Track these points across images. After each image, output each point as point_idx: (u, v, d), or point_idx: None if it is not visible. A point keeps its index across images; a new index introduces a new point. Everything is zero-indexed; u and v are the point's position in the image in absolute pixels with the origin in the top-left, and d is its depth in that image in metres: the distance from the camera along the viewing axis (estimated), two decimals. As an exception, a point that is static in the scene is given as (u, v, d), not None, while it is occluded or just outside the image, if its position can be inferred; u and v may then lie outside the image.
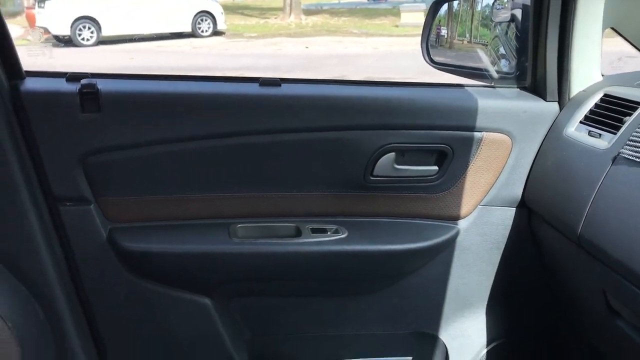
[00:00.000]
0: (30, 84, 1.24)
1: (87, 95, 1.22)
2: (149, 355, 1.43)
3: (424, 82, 1.49)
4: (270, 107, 1.32)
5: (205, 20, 13.26)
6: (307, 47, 11.52)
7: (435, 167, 1.42)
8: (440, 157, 1.42)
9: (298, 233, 1.39)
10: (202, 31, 13.19)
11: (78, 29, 12.20)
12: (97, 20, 12.28)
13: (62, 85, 1.25)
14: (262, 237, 1.38)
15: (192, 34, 13.04)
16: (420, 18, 13.18)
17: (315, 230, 1.40)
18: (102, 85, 1.24)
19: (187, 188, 1.34)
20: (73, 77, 1.26)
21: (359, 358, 1.54)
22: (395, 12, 15.88)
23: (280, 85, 1.34)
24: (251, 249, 1.35)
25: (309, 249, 1.37)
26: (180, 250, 1.34)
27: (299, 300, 1.48)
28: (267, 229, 1.40)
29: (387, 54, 10.10)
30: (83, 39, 12.24)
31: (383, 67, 8.76)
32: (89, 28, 12.29)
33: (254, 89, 1.33)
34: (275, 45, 11.96)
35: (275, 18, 16.53)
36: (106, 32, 12.38)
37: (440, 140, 1.40)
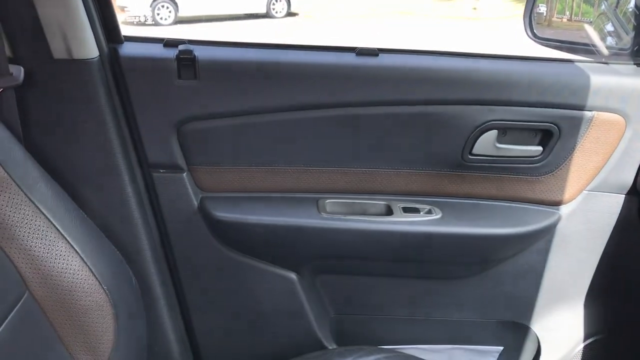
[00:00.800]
0: (128, 48, 1.24)
1: (184, 61, 1.21)
2: (235, 326, 1.43)
3: (531, 55, 1.39)
4: (366, 78, 1.27)
5: (280, 0, 13.30)
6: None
7: (540, 148, 1.33)
8: (546, 137, 1.33)
9: (389, 211, 1.34)
10: (277, 12, 13.25)
11: (157, 8, 12.51)
12: (175, 1, 12.56)
13: (160, 50, 1.24)
14: (351, 214, 1.34)
15: (267, 15, 13.13)
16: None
17: (407, 210, 1.34)
18: (198, 52, 1.22)
19: (279, 159, 1.31)
20: (170, 43, 1.24)
21: (447, 344, 1.48)
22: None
23: (377, 55, 1.28)
24: (340, 225, 1.31)
25: (400, 228, 1.31)
26: (269, 222, 1.31)
27: (386, 280, 1.43)
28: (356, 205, 1.36)
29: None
30: (161, 18, 12.55)
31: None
32: (167, 7, 12.58)
33: (350, 58, 1.28)
34: (352, 27, 11.85)
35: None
36: (183, 12, 12.65)
37: (547, 119, 1.30)
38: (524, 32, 1.64)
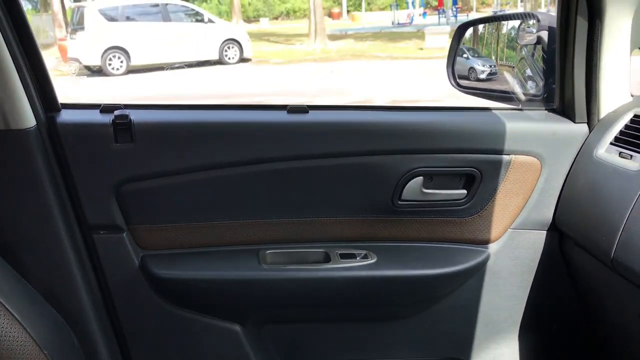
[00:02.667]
0: (65, 115, 1.28)
1: (120, 125, 1.26)
2: None
3: (451, 106, 1.49)
4: (298, 134, 1.34)
5: (232, 47, 13.49)
6: (332, 72, 11.62)
7: (464, 191, 1.41)
8: (469, 181, 1.41)
9: (327, 259, 1.39)
10: (229, 58, 13.42)
11: (108, 58, 12.52)
12: (126, 50, 12.60)
13: (96, 116, 1.28)
14: (291, 263, 1.39)
15: (220, 62, 13.27)
16: (444, 41, 13.23)
17: (344, 256, 1.40)
18: (134, 115, 1.27)
19: (217, 215, 1.36)
20: (107, 109, 1.29)
21: None
22: (419, 35, 15.96)
23: (307, 112, 1.36)
24: (280, 275, 1.36)
25: (338, 274, 1.37)
26: (211, 277, 1.35)
27: (329, 326, 1.48)
28: (296, 254, 1.41)
29: (412, 77, 10.13)
30: (113, 68, 12.55)
31: (408, 90, 8.79)
32: (119, 57, 12.61)
33: (282, 116, 1.35)
34: (301, 70, 12.09)
35: (301, 44, 16.73)
36: (135, 61, 12.68)
37: (469, 164, 1.39)
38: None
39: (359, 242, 1.43)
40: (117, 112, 1.27)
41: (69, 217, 1.28)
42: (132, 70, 12.59)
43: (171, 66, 12.45)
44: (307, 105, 1.38)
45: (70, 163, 1.26)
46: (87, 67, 12.97)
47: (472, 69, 1.79)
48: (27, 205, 1.22)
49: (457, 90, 1.71)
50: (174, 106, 1.37)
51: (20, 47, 1.20)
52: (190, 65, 12.92)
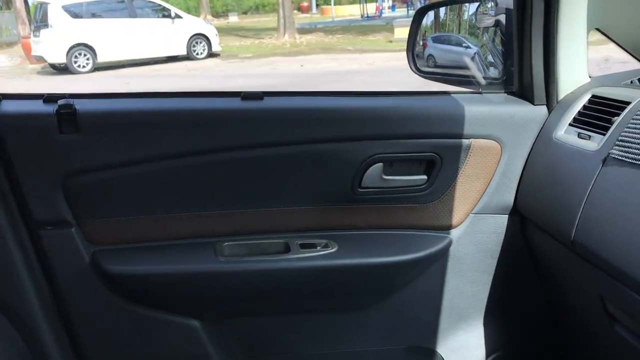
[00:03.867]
0: (6, 106, 1.22)
1: (65, 116, 1.20)
2: None
3: (410, 90, 1.46)
4: (252, 121, 1.30)
5: (200, 42, 13.36)
6: (302, 66, 11.57)
7: (425, 177, 1.39)
8: (429, 166, 1.39)
9: (287, 249, 1.36)
10: (197, 53, 13.29)
11: (74, 56, 12.28)
12: (92, 47, 12.37)
13: (39, 106, 1.23)
14: (249, 255, 1.35)
15: (188, 57, 13.13)
16: (413, 33, 13.24)
17: (304, 246, 1.37)
18: (79, 105, 1.22)
19: (171, 207, 1.31)
20: (50, 99, 1.23)
21: None
22: (388, 28, 16.00)
23: (262, 99, 1.32)
24: (238, 268, 1.32)
25: (298, 264, 1.33)
26: (166, 271, 1.30)
27: (291, 317, 1.44)
28: (254, 246, 1.37)
29: (382, 70, 10.13)
30: (79, 65, 12.32)
31: (378, 83, 8.79)
32: (85, 55, 12.38)
33: (235, 103, 1.31)
34: (270, 65, 12.02)
35: (270, 38, 16.64)
36: (102, 58, 12.46)
37: (428, 149, 1.37)
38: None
39: (319, 231, 1.40)
40: (60, 102, 1.21)
41: (12, 213, 1.22)
42: (98, 68, 12.38)
43: (138, 63, 12.27)
44: (262, 92, 1.33)
45: (12, 156, 1.20)
46: (52, 65, 12.72)
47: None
48: None
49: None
50: (122, 94, 1.31)
51: None
52: (158, 61, 12.76)
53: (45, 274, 1.28)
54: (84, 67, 12.35)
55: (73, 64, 12.26)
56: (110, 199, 1.28)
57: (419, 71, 1.69)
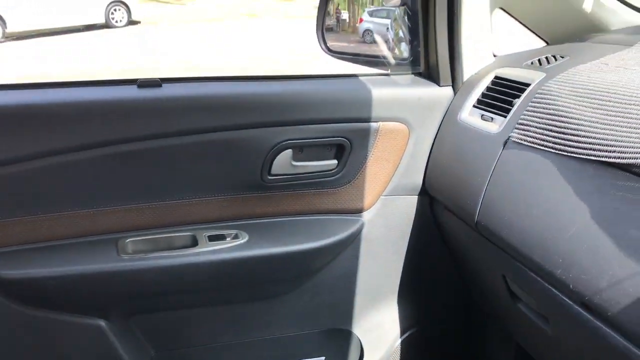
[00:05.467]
0: None
1: None
2: None
3: (318, 74, 1.43)
4: (150, 111, 1.23)
5: (119, 10, 12.75)
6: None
7: (335, 161, 1.38)
8: (339, 151, 1.38)
9: (194, 242, 1.32)
10: (117, 22, 12.69)
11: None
12: (1, 16, 11.58)
13: None
14: (154, 251, 1.30)
15: (106, 25, 12.52)
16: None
17: (213, 238, 1.33)
18: None
19: (67, 204, 1.24)
20: None
21: None
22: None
23: (161, 86, 1.26)
24: (142, 265, 1.26)
25: (206, 258, 1.30)
26: (65, 272, 1.23)
27: (205, 310, 1.41)
28: (160, 240, 1.32)
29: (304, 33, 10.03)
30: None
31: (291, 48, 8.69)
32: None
33: (131, 91, 1.24)
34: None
35: (193, 4, 16.10)
36: (13, 28, 11.70)
37: (337, 134, 1.35)
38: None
39: (229, 221, 1.37)
40: None
41: None
42: (9, 37, 11.63)
43: (53, 32, 11.62)
44: (160, 79, 1.27)
45: None
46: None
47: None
48: None
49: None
50: (11, 86, 1.21)
51: None
52: (77, 30, 12.12)
53: None
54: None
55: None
56: None
57: (329, 51, 1.65)
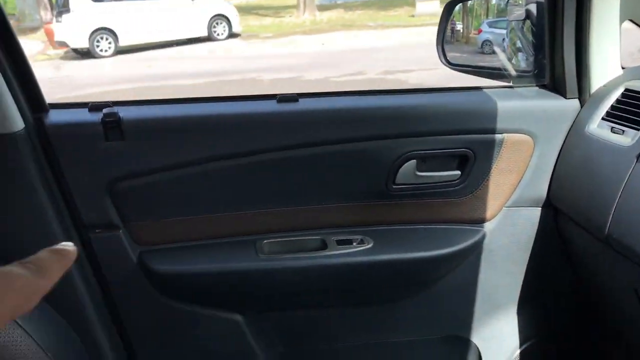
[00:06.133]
0: (54, 116, 1.27)
1: (110, 124, 1.24)
2: None
3: (441, 87, 1.48)
4: (288, 124, 1.33)
5: (221, 23, 13.33)
6: (323, 44, 11.51)
7: (458, 172, 1.41)
8: (462, 161, 1.41)
9: (324, 246, 1.40)
10: (218, 34, 13.26)
11: (96, 40, 12.35)
12: (113, 31, 12.43)
13: (85, 115, 1.27)
14: (288, 252, 1.40)
15: (209, 38, 13.13)
16: (436, 6, 13.08)
17: (340, 242, 1.40)
18: (123, 113, 1.26)
19: (212, 208, 1.36)
20: (95, 107, 1.28)
21: None
22: (410, 2, 15.77)
23: (297, 101, 1.35)
24: (278, 265, 1.36)
25: (335, 261, 1.38)
26: (208, 270, 1.36)
27: (329, 311, 1.49)
28: (293, 243, 1.41)
29: (404, 46, 10.04)
30: (101, 50, 12.39)
31: (401, 60, 8.72)
32: (107, 39, 12.44)
33: (271, 106, 1.34)
34: (292, 44, 11.98)
35: (290, 16, 16.54)
36: (123, 42, 12.53)
37: (461, 145, 1.39)
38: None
39: (355, 227, 1.44)
40: (105, 110, 1.25)
41: (64, 218, 1.27)
42: (120, 51, 12.45)
43: (160, 45, 12.31)
44: (297, 94, 1.37)
45: (62, 164, 1.25)
46: (75, 50, 12.82)
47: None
48: (21, 210, 1.22)
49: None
50: (163, 101, 1.35)
51: (2, 47, 1.17)
52: (179, 43, 12.79)
53: (95, 274, 1.34)
54: (106, 51, 12.42)
55: (95, 48, 12.34)
56: (154, 202, 1.33)
57: (449, 64, 1.70)
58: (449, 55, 1.74)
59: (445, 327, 1.55)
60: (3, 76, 1.16)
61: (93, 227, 1.31)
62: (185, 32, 13.02)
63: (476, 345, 1.56)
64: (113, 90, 7.75)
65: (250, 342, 1.44)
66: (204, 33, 13.19)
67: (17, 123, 1.19)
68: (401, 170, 1.38)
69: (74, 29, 12.31)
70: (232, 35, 13.49)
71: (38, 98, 1.26)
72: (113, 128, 1.25)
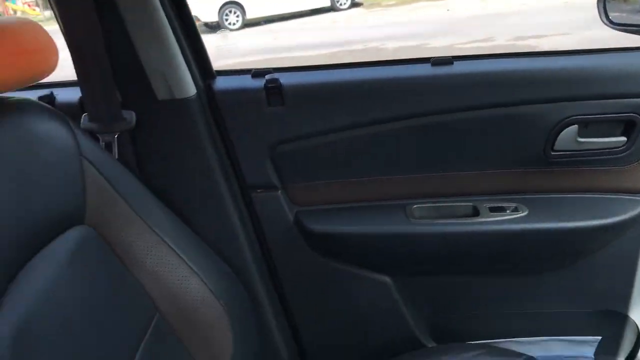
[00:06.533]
0: (220, 82, 1.35)
1: (272, 90, 1.31)
2: (337, 330, 1.52)
3: (607, 47, 1.39)
4: (443, 87, 1.32)
5: (343, -9, 13.30)
6: (448, 10, 11.14)
7: (624, 138, 1.33)
8: (628, 127, 1.33)
9: (476, 212, 1.39)
10: (341, 4, 13.26)
11: (224, 14, 12.84)
12: (241, 4, 12.84)
13: (249, 81, 1.34)
14: (439, 218, 1.40)
15: (332, 8, 13.17)
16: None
17: (493, 209, 1.38)
18: (283, 79, 1.32)
19: (366, 171, 1.39)
20: (258, 74, 1.35)
21: (543, 336, 1.51)
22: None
23: (452, 64, 1.33)
24: (429, 230, 1.37)
25: (488, 228, 1.36)
26: (360, 231, 1.39)
27: (479, 278, 1.48)
28: (443, 208, 1.41)
29: (535, 10, 9.46)
30: (230, 23, 12.86)
31: (533, 25, 8.25)
32: (235, 12, 12.89)
33: (426, 69, 1.34)
34: (415, 11, 11.72)
35: (413, -17, 16.12)
36: (250, 14, 12.92)
37: (628, 109, 1.31)
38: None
39: (509, 195, 1.41)
40: (268, 77, 1.32)
41: (229, 177, 1.36)
42: (247, 24, 12.86)
43: (284, 17, 12.55)
44: (452, 57, 1.35)
45: (229, 127, 1.34)
46: (206, 24, 13.41)
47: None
48: (193, 168, 1.32)
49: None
50: (319, 66, 1.39)
51: (179, 20, 1.27)
52: (302, 14, 12.97)
53: (256, 231, 1.43)
54: (234, 24, 12.88)
55: (224, 21, 12.83)
56: (311, 165, 1.39)
57: (611, 23, 1.58)
58: (611, 15, 1.63)
59: (600, 300, 1.48)
60: (180, 47, 1.26)
61: (254, 187, 1.39)
62: (308, 3, 13.16)
63: (635, 322, 1.48)
64: (250, 60, 8.04)
65: (399, 304, 1.47)
66: (327, 3, 13.25)
67: (191, 89, 1.29)
68: (561, 135, 1.33)
69: (204, 3, 12.87)
70: (354, 4, 13.44)
71: (207, 66, 1.35)
72: (275, 94, 1.31)
